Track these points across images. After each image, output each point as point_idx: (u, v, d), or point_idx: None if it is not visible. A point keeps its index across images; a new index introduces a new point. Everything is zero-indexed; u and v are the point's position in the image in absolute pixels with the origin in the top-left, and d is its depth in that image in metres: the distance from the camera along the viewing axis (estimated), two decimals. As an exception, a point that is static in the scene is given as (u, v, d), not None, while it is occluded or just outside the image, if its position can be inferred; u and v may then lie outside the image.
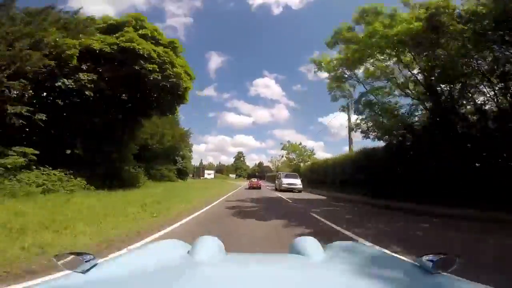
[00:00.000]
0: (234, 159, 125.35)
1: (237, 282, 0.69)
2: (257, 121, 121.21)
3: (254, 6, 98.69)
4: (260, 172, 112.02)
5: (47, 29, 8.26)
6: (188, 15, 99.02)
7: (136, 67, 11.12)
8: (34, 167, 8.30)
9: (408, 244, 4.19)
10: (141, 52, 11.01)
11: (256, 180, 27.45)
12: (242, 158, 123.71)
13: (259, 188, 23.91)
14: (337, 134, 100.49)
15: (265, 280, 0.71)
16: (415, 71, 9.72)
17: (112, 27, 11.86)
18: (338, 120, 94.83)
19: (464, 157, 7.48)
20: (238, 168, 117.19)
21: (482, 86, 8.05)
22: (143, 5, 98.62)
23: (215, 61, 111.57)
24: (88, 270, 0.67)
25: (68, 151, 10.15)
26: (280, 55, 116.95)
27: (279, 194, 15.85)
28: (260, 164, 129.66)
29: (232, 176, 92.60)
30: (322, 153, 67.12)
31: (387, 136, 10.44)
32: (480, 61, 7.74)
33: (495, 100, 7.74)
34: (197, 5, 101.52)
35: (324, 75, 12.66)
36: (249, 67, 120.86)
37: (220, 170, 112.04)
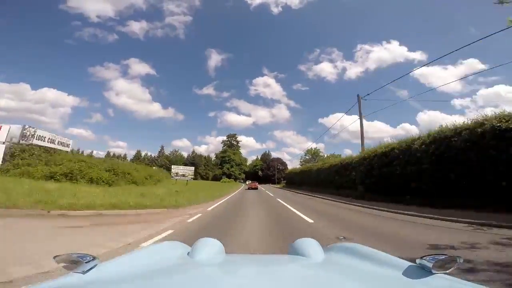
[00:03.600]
0: (222, 145, 76.78)
1: (237, 283, 0.69)
2: (258, 121, 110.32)
3: (253, 5, 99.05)
4: (266, 168, 70.09)
5: None
6: (187, 14, 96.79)
7: None
8: None
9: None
10: None
11: (252, 182, 34.18)
12: (234, 146, 76.20)
13: (256, 188, 29.95)
14: (337, 136, 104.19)
15: (265, 281, 0.71)
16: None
17: None
18: (339, 122, 78.88)
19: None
20: (225, 161, 70.23)
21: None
22: (142, 4, 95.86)
23: (214, 59, 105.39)
24: (88, 270, 0.66)
25: None
26: (280, 53, 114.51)
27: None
28: (265, 156, 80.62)
29: (182, 173, 25.03)
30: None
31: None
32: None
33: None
34: (196, 4, 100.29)
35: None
36: (249, 65, 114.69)
37: (194, 163, 64.67)
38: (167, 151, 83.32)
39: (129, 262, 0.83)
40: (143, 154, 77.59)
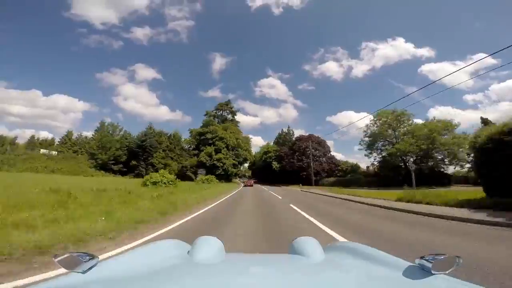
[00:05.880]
0: (204, 116, 46.06)
1: (237, 283, 0.69)
2: (265, 121, 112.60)
3: (254, 7, 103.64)
4: (289, 155, 35.93)
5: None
6: (189, 19, 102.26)
7: None
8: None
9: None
10: None
11: (248, 180, 34.32)
12: (232, 119, 46.21)
13: (251, 186, 31.68)
14: (346, 133, 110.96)
15: (265, 281, 0.71)
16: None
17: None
18: (348, 120, 74.81)
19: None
20: (207, 142, 39.49)
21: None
22: (145, 10, 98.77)
23: (218, 62, 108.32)
24: (87, 270, 0.67)
25: None
26: (283, 54, 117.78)
27: None
28: (284, 136, 51.93)
29: None
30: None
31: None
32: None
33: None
34: (197, 9, 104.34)
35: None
36: (253, 67, 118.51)
37: (142, 147, 38.19)
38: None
39: (129, 261, 0.84)
40: (75, 135, 49.99)
